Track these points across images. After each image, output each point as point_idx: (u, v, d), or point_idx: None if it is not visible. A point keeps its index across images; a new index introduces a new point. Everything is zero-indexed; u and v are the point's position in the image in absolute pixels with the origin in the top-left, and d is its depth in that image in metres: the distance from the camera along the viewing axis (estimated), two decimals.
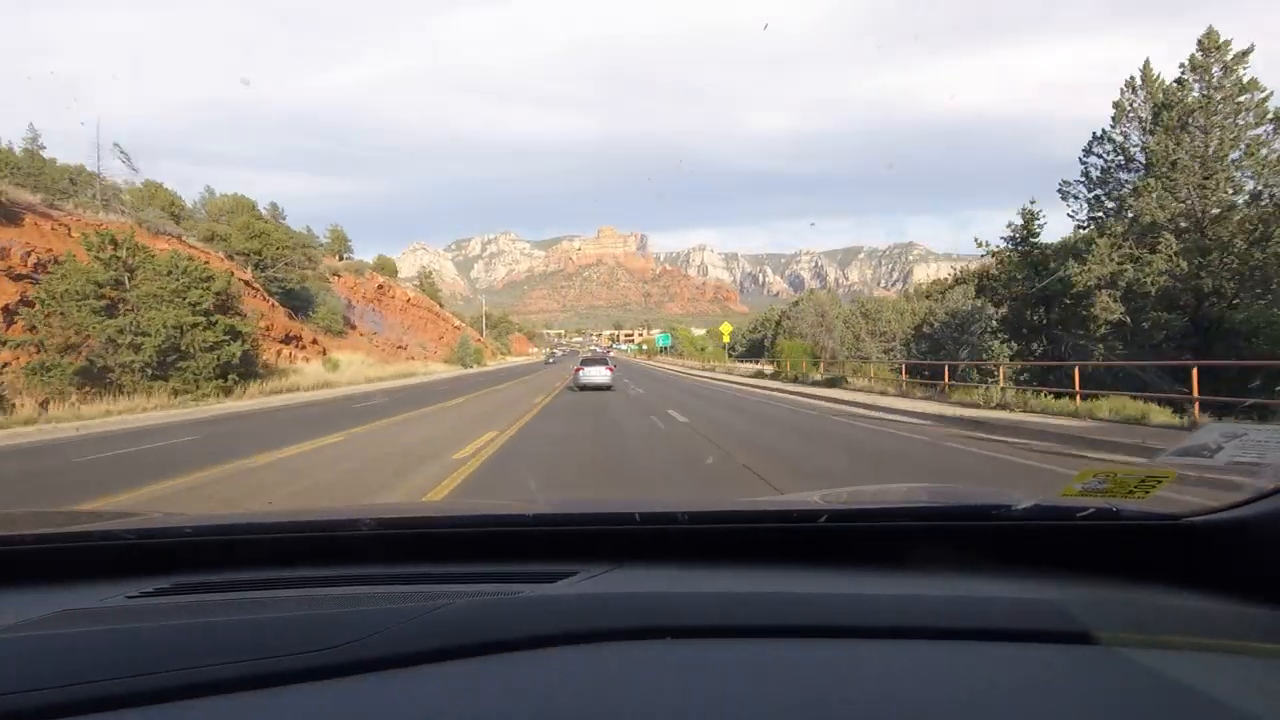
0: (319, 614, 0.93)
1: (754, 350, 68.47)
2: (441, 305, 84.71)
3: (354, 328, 47.08)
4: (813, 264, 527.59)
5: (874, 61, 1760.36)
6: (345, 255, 61.98)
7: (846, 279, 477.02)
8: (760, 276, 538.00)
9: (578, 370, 23.19)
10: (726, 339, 39.98)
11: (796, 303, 67.91)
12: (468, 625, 0.89)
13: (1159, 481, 1.16)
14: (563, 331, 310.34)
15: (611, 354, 56.83)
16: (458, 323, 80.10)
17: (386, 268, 74.55)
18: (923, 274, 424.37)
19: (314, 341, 36.04)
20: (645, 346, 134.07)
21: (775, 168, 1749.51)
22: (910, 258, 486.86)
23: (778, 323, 67.59)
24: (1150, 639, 0.86)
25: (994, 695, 0.77)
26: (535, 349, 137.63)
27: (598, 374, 22.40)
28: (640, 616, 0.93)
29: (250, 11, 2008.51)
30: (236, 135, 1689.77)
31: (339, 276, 48.98)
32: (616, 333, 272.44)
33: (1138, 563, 1.09)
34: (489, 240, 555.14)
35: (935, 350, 48.02)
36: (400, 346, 53.62)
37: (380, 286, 62.45)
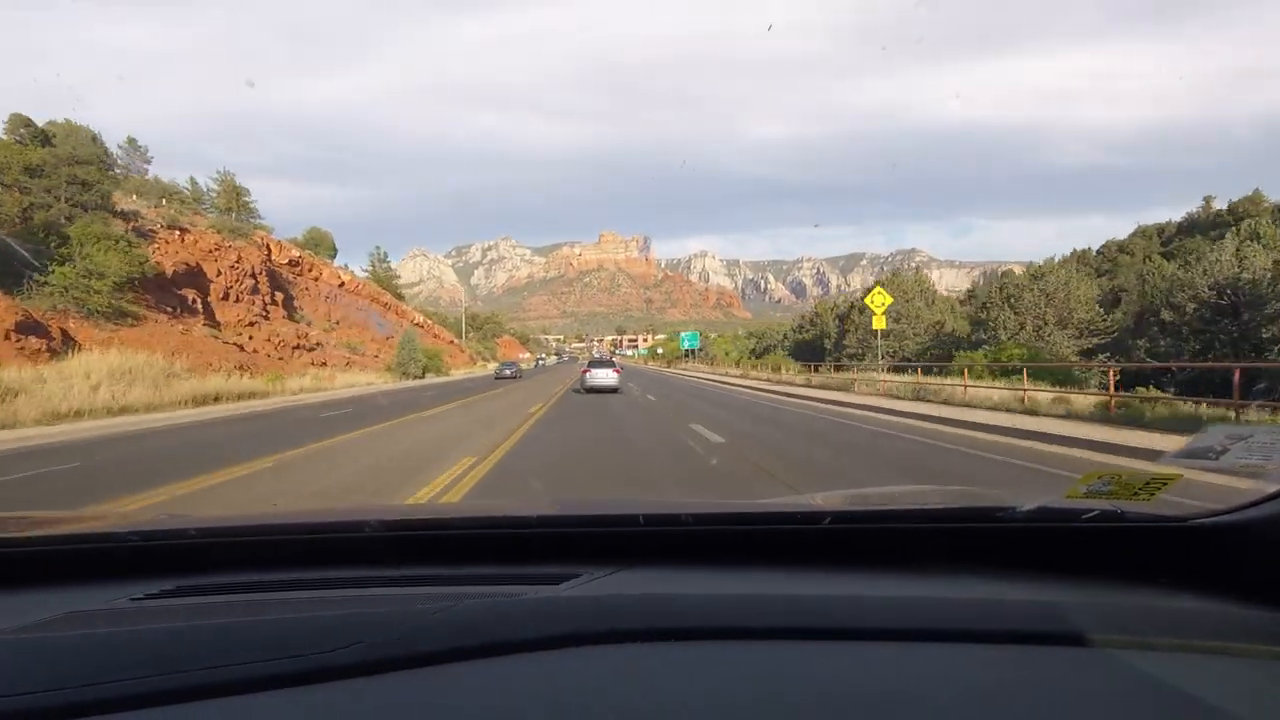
0: (324, 615, 0.92)
1: (802, 352, 50.61)
2: (400, 296, 66.58)
3: (197, 313, 29.18)
4: (815, 271, 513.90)
5: (876, 68, 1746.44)
6: (250, 219, 44.12)
7: (848, 285, 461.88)
8: (762, 283, 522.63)
9: (585, 372, 23.54)
10: (880, 323, 21.44)
11: (874, 288, 50.48)
12: (472, 627, 0.89)
13: (1164, 484, 1.15)
14: (562, 336, 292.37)
15: (615, 359, 42.01)
16: (418, 318, 62.18)
17: (322, 244, 56.64)
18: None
19: (34, 333, 18.28)
20: (661, 350, 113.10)
21: (777, 174, 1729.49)
22: (913, 265, 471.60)
23: (844, 316, 50.14)
24: (1153, 642, 0.86)
25: (995, 698, 0.77)
26: (528, 355, 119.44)
27: (604, 376, 22.29)
28: (645, 619, 0.93)
29: (254, 22, 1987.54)
30: (239, 142, 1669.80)
31: (181, 233, 31.02)
32: (619, 338, 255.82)
33: (1142, 565, 1.08)
34: (489, 246, 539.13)
35: (1190, 347, 29.78)
36: (303, 346, 35.64)
37: (293, 263, 44.52)
